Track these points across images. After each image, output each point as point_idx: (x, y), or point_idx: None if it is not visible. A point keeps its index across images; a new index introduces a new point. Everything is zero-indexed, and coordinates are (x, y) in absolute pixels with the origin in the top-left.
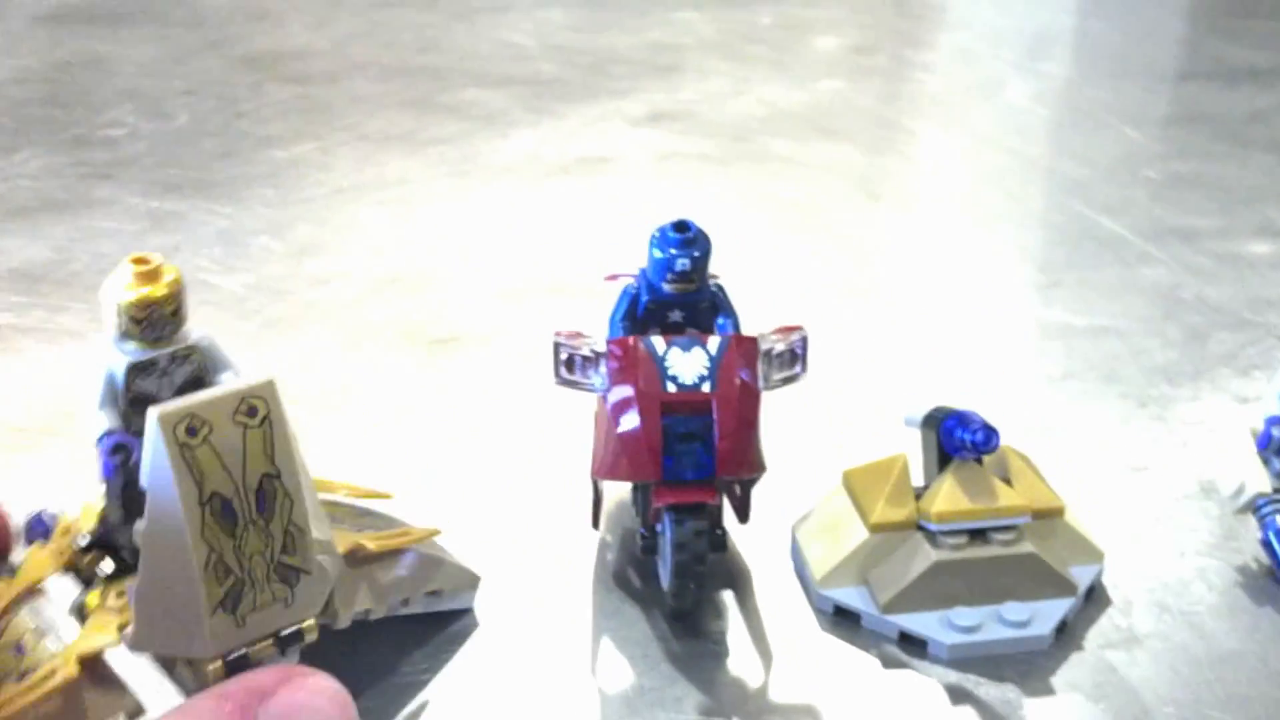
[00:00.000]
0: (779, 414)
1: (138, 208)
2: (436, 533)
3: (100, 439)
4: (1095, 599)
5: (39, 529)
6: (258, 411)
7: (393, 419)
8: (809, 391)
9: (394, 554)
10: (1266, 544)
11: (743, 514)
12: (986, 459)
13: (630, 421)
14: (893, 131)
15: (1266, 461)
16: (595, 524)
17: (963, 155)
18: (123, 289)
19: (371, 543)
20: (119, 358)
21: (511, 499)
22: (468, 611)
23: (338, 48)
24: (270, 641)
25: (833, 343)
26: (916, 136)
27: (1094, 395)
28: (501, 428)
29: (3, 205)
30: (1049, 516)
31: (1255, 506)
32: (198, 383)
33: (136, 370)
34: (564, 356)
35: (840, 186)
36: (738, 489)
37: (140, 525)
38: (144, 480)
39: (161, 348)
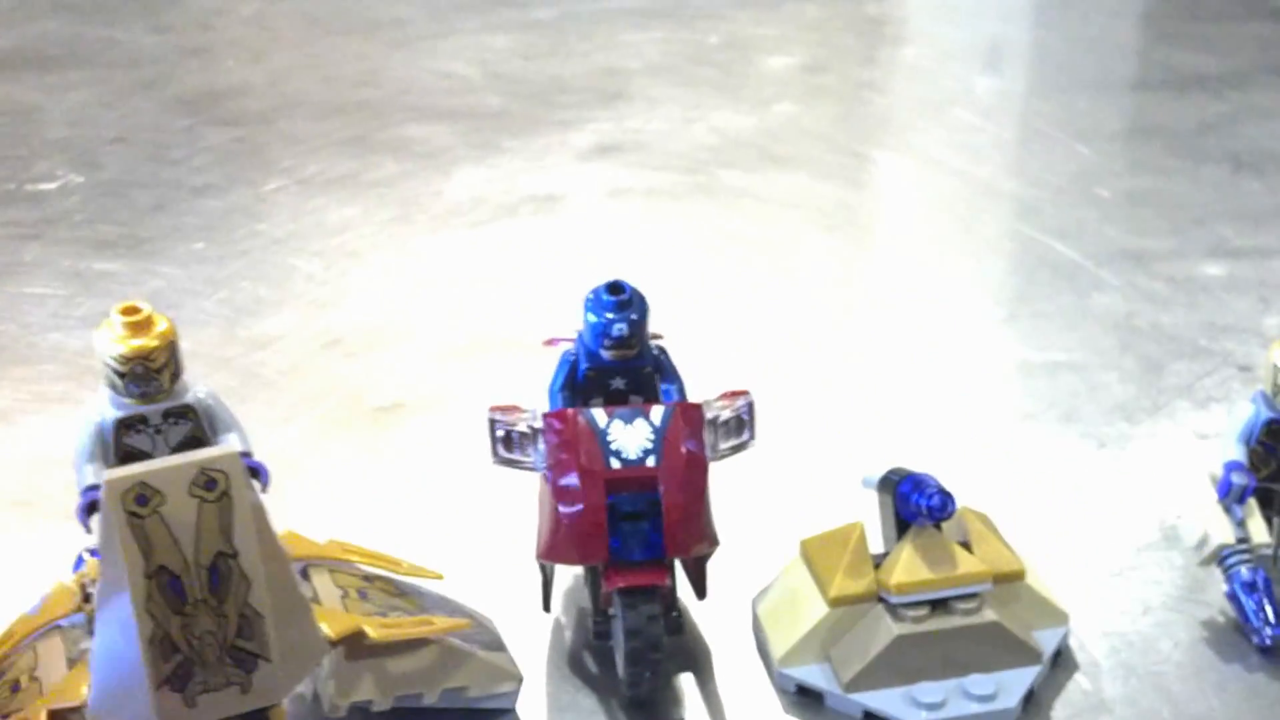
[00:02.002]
0: (733, 477)
1: (67, 270)
2: (465, 625)
3: (82, 493)
4: (1062, 664)
5: (79, 568)
6: (216, 485)
7: (336, 497)
8: (764, 452)
9: (409, 644)
10: (1232, 597)
11: (700, 589)
12: (945, 523)
13: (573, 501)
14: (845, 157)
15: (1228, 510)
16: (546, 606)
17: (915, 180)
18: (109, 340)
19: (375, 631)
20: (109, 411)
21: (462, 578)
22: (508, 712)
23: (274, 84)
24: None
25: (786, 395)
26: (869, 161)
27: (1053, 437)
28: (446, 504)
29: None
30: (1010, 580)
31: (1220, 558)
32: (195, 443)
33: (125, 425)
34: (500, 434)
35: (793, 219)
36: (693, 563)
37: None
38: (99, 546)
39: (153, 403)
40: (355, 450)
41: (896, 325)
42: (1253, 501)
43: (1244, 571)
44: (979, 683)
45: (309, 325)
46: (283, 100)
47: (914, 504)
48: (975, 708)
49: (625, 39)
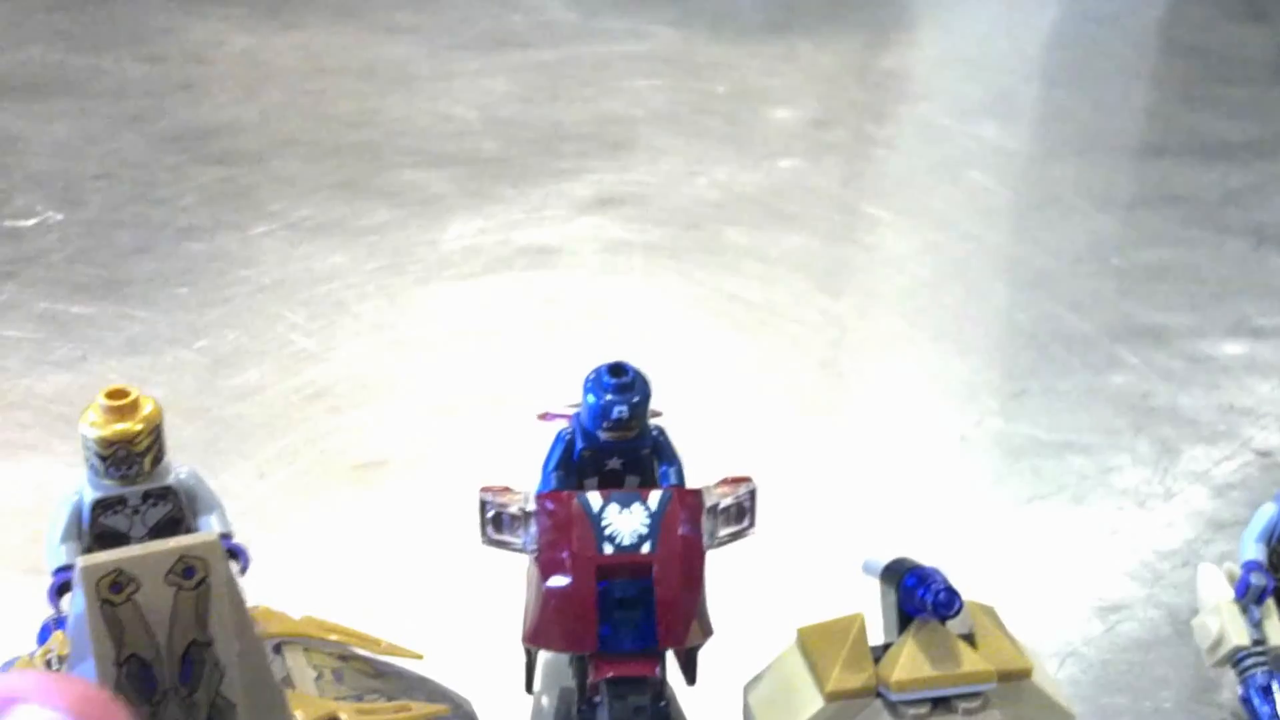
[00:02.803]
0: (730, 559)
1: (43, 312)
2: (443, 711)
3: (54, 572)
4: None
5: (44, 640)
6: (195, 573)
7: (313, 560)
8: (762, 532)
9: None
10: (1246, 701)
11: (690, 675)
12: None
13: (563, 587)
14: (853, 217)
15: (1245, 610)
16: (529, 688)
17: (924, 244)
18: (91, 424)
19: (350, 717)
20: (87, 491)
21: (442, 654)
22: None
23: (266, 122)
24: None
25: (786, 472)
26: (877, 223)
27: (1062, 523)
28: (428, 572)
29: None
30: (1016, 679)
31: (1235, 660)
32: (174, 524)
33: (103, 506)
34: (490, 514)
35: (799, 282)
36: (684, 650)
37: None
38: (68, 629)
39: (133, 484)
40: (335, 510)
41: (901, 399)
42: (1271, 603)
43: (1259, 675)
44: None
45: (291, 377)
46: (274, 139)
47: (919, 599)
48: None
49: (630, 85)
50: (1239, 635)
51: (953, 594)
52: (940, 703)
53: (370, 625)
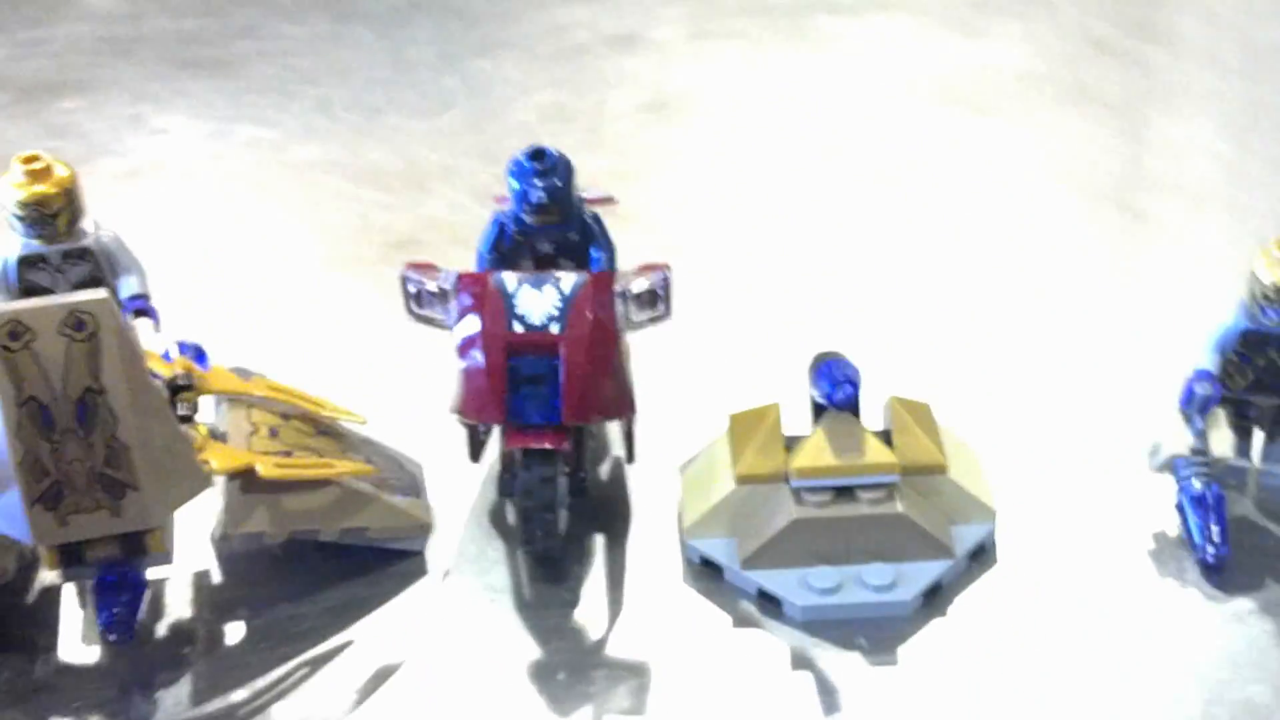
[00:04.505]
0: (702, 345)
1: None
2: (368, 470)
3: None
4: (982, 561)
5: None
6: (85, 326)
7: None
8: (740, 323)
9: (309, 482)
10: (1180, 509)
11: (629, 453)
12: (884, 409)
13: (474, 361)
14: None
15: (1189, 419)
16: (472, 458)
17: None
18: (7, 186)
19: (266, 468)
20: (11, 250)
21: (400, 422)
22: (415, 555)
23: None
24: (112, 542)
25: (770, 264)
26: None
27: (1022, 321)
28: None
29: None
30: (929, 474)
31: (1173, 468)
32: (96, 283)
33: (27, 264)
34: (412, 290)
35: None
36: (623, 428)
37: None
38: None
39: (53, 244)
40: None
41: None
42: (1221, 412)
43: (1196, 484)
44: (877, 572)
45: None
46: None
47: (819, 388)
48: (870, 597)
49: None
50: (1176, 443)
51: (845, 385)
52: (844, 492)
53: (335, 395)
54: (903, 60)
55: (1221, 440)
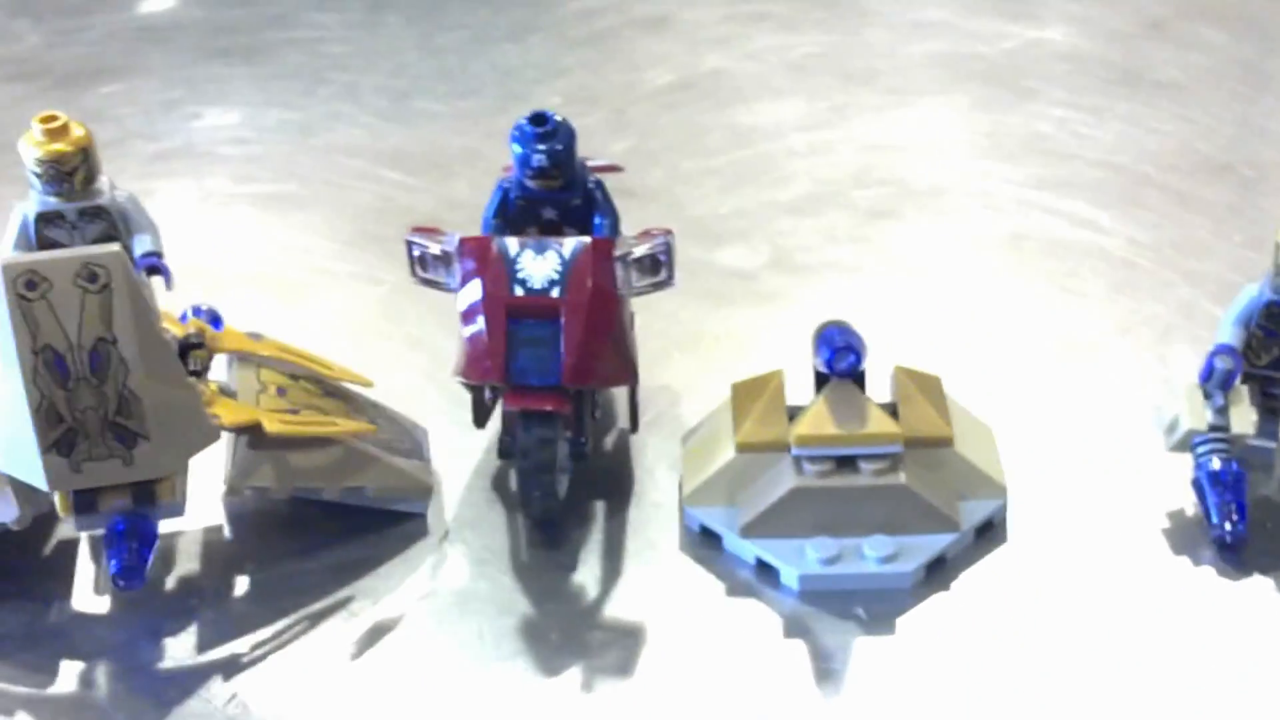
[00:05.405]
0: (724, 318)
1: None
2: (370, 430)
3: None
4: (991, 536)
5: None
6: (98, 278)
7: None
8: (760, 299)
9: (314, 440)
10: (1196, 486)
11: (632, 422)
12: (889, 379)
13: (475, 323)
14: None
15: (1208, 396)
16: (477, 423)
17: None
18: (26, 144)
19: (271, 424)
20: (30, 207)
21: (411, 388)
22: (418, 516)
23: None
24: (124, 491)
25: (800, 235)
26: None
27: (1037, 301)
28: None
29: None
30: (934, 446)
31: (1191, 445)
32: (109, 240)
33: (44, 220)
34: (416, 254)
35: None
36: (628, 395)
37: None
38: None
39: (70, 201)
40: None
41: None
42: (1243, 389)
43: (1215, 462)
44: (878, 543)
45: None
46: None
47: (820, 356)
48: (870, 568)
49: None
50: (1195, 419)
51: (846, 353)
52: (846, 462)
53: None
54: (942, 41)
55: (1241, 418)
